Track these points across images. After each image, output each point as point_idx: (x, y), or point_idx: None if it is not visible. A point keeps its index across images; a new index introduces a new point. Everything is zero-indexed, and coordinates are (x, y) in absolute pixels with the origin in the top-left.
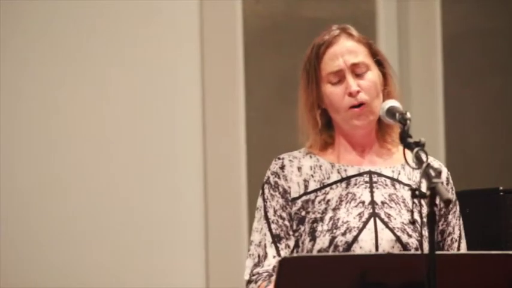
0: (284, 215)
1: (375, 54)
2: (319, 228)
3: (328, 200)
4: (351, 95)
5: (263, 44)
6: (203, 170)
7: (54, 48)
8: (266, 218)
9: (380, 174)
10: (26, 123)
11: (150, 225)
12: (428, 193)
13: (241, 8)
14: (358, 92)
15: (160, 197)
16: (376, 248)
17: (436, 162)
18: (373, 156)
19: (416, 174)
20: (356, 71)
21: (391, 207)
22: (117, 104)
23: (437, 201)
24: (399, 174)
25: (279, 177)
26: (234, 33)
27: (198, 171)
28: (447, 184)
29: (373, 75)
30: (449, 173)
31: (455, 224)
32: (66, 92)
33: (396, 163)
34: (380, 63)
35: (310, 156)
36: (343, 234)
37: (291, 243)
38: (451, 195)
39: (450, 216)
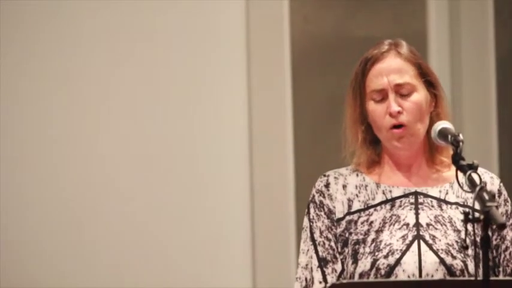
0: (330, 236)
1: (424, 74)
2: (361, 250)
3: (372, 222)
4: (391, 115)
5: (311, 64)
6: (250, 189)
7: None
8: (312, 239)
9: (426, 195)
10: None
11: (196, 232)
12: (482, 217)
13: (289, 28)
14: (398, 112)
15: (207, 216)
16: (420, 271)
17: (488, 174)
18: (420, 176)
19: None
20: (400, 91)
21: (436, 228)
22: (162, 117)
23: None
24: (447, 194)
25: (323, 196)
26: (282, 53)
27: (245, 191)
28: (499, 196)
29: (419, 96)
30: (501, 184)
31: None
32: (102, 98)
33: (444, 183)
34: (430, 84)
35: (357, 175)
36: (386, 256)
37: (338, 267)
38: (506, 207)
39: (505, 230)
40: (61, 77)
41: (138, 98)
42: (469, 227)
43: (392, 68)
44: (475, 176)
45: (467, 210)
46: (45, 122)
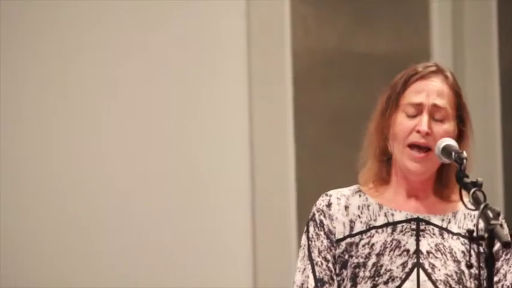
0: (329, 257)
1: (459, 107)
2: (361, 274)
3: (373, 244)
4: (419, 132)
5: (313, 80)
6: (251, 190)
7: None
8: (310, 258)
9: (428, 222)
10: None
11: (196, 232)
12: (486, 235)
13: (291, 43)
14: (427, 134)
15: (208, 217)
16: None
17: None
18: (425, 202)
19: (468, 222)
20: (435, 114)
21: (436, 257)
22: (163, 120)
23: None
24: (449, 223)
25: (324, 216)
26: (283, 68)
27: (246, 192)
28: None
29: (449, 126)
30: (503, 220)
31: (507, 271)
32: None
33: (448, 212)
34: (462, 120)
35: (360, 195)
36: (386, 283)
37: None
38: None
39: (500, 263)
40: (61, 77)
41: (139, 99)
42: (473, 260)
43: (436, 89)
44: (479, 194)
45: (471, 229)
46: (45, 122)
